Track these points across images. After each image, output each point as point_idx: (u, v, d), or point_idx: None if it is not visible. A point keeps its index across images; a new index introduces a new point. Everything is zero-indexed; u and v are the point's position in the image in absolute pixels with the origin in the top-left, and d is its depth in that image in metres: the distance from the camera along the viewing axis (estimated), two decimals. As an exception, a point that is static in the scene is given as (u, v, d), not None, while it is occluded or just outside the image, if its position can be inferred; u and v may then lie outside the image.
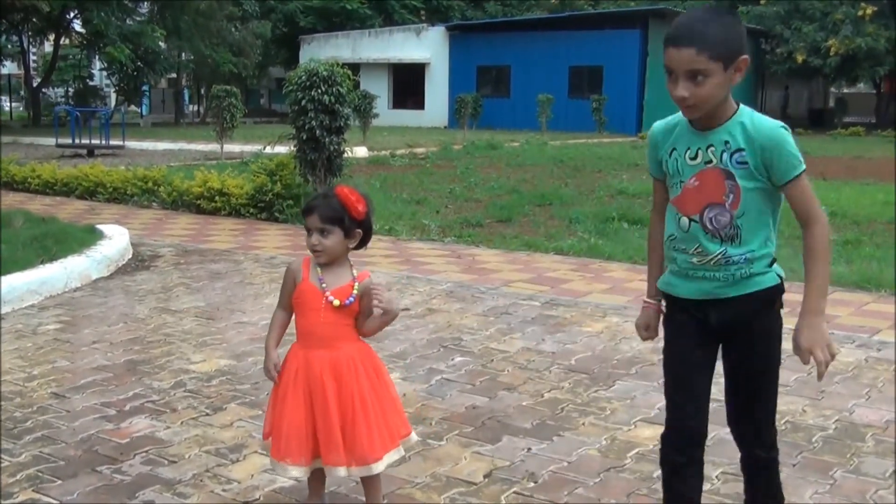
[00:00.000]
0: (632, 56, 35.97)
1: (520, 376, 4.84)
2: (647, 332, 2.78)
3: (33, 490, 3.39)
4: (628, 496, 3.41)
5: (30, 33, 38.83)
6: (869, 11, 40.22)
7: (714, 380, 2.67)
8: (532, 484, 3.49)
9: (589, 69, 36.60)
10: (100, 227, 8.74)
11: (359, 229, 2.96)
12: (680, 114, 2.52)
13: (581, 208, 11.48)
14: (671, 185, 2.57)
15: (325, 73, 10.39)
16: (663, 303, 2.72)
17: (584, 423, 4.14)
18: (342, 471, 2.98)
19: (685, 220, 2.51)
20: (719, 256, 2.46)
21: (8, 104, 45.80)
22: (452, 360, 5.13)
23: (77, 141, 21.19)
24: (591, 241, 9.03)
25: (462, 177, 15.66)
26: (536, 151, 22.09)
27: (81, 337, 5.54)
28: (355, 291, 2.96)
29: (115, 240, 8.11)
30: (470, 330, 5.79)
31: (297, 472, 3.01)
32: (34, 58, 43.71)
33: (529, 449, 3.84)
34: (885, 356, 5.29)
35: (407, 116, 38.80)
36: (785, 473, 3.61)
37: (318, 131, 10.34)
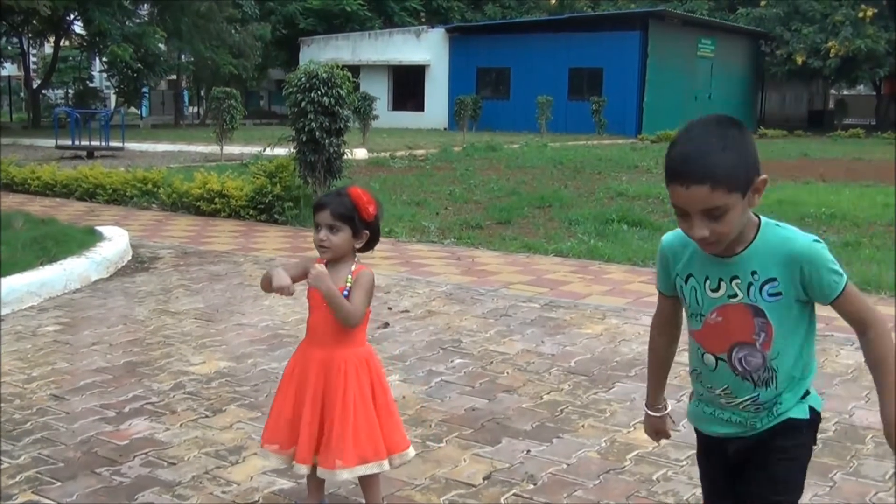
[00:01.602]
0: (631, 58, 35.95)
1: (519, 378, 4.84)
2: (657, 436, 2.55)
3: (33, 492, 3.39)
4: (628, 498, 3.41)
5: (30, 35, 38.82)
6: (869, 13, 40.29)
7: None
8: (531, 486, 3.49)
9: (588, 71, 36.59)
10: (99, 228, 8.73)
11: (367, 230, 2.98)
12: None
13: (580, 210, 11.49)
14: (689, 314, 2.24)
15: (324, 75, 10.41)
16: (667, 412, 2.49)
17: (583, 425, 4.14)
18: (303, 468, 3.01)
19: (710, 357, 2.19)
20: (749, 402, 2.17)
21: (8, 106, 45.79)
22: (452, 361, 5.13)
23: (77, 142, 21.19)
24: (591, 243, 9.03)
25: (462, 178, 15.66)
26: (536, 153, 22.09)
27: (81, 339, 5.54)
28: (348, 284, 2.96)
29: (115, 241, 8.11)
30: (469, 332, 5.79)
31: (274, 461, 3.09)
32: (34, 59, 43.72)
33: (529, 451, 3.84)
34: (885, 358, 5.28)
35: (407, 118, 38.79)
36: (784, 475, 3.62)
37: (317, 133, 10.35)
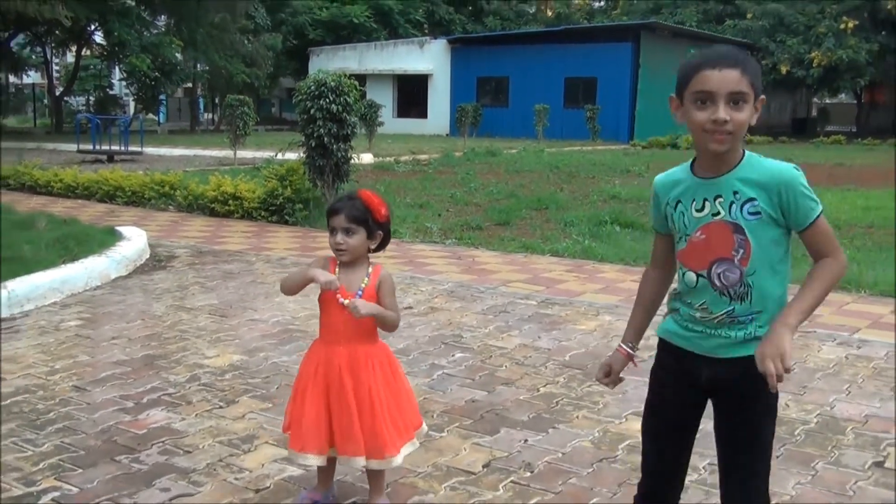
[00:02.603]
0: (624, 68, 35.94)
1: (517, 371, 4.85)
2: (606, 376, 2.51)
3: (55, 478, 3.40)
4: (619, 486, 3.41)
5: (53, 45, 38.86)
6: (850, 25, 40.29)
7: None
8: (528, 474, 3.50)
9: (583, 80, 36.58)
10: (119, 228, 8.74)
11: (380, 231, 3.01)
12: (683, 166, 2.31)
13: (575, 212, 11.49)
14: (677, 238, 2.31)
15: (332, 83, 10.41)
16: (636, 353, 2.51)
17: (577, 416, 4.14)
18: (361, 461, 3.00)
19: (692, 274, 2.26)
20: (724, 315, 2.21)
21: (32, 112, 45.84)
22: (453, 356, 5.14)
23: (97, 147, 21.18)
24: (585, 244, 9.04)
25: (462, 182, 15.65)
26: (533, 158, 22.09)
27: (101, 333, 5.54)
28: (363, 285, 2.98)
29: (134, 241, 8.12)
30: (470, 327, 5.79)
31: (314, 461, 3.03)
32: (57, 68, 43.74)
33: (526, 440, 3.85)
34: (865, 353, 5.29)
35: (410, 125, 38.79)
36: (769, 464, 3.63)
37: (326, 139, 10.36)
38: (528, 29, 45.44)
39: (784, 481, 3.45)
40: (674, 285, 2.42)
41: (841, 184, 16.39)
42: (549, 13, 52.75)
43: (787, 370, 2.05)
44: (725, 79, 2.11)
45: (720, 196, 2.19)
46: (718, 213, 2.19)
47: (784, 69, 41.47)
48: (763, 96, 2.20)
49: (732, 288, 2.20)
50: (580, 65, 36.51)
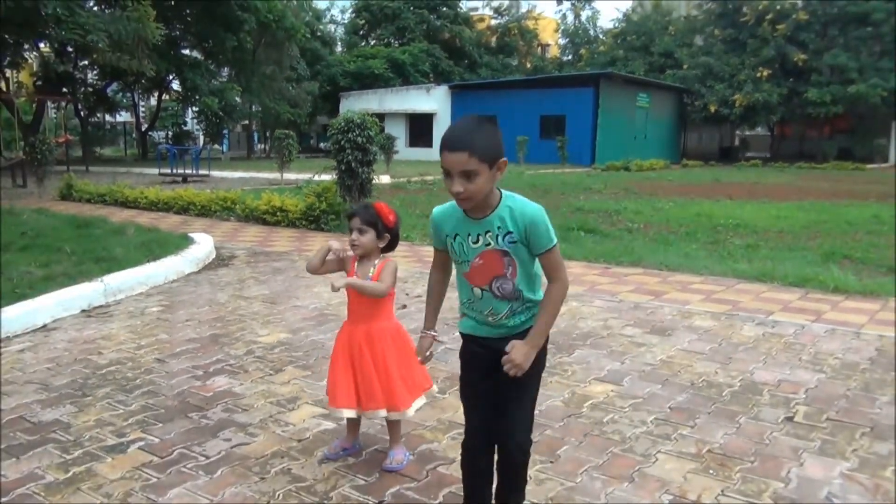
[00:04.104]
0: (587, 107, 35.86)
1: (504, 346, 4.82)
2: (424, 357, 2.58)
3: (142, 431, 3.39)
4: (585, 436, 3.40)
5: (139, 91, 38.85)
6: (765, 73, 40.37)
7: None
8: (513, 427, 3.48)
9: (555, 117, 36.49)
10: (191, 234, 8.74)
11: (388, 234, 3.00)
12: (454, 204, 2.30)
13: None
14: (459, 262, 2.34)
15: (358, 120, 10.41)
16: (436, 334, 2.55)
17: (551, 382, 4.13)
18: (382, 412, 3.00)
19: (477, 289, 2.32)
20: (507, 312, 2.31)
21: (123, 144, 45.83)
22: (453, 334, 5.11)
23: (174, 171, 21.20)
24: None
25: (461, 197, 15.60)
26: (515, 179, 22.05)
27: (177, 317, 5.54)
28: (370, 274, 2.97)
29: (202, 244, 8.12)
30: (466, 312, 5.76)
31: (348, 413, 3.02)
32: (142, 109, 43.75)
33: (511, 400, 3.83)
34: (777, 332, 5.27)
35: (419, 153, 38.71)
36: (702, 419, 3.61)
37: (353, 164, 10.36)
38: (511, 77, 45.39)
39: (714, 432, 3.44)
40: (462, 299, 2.41)
41: (758, 198, 16.35)
42: (528, 65, 52.70)
43: (524, 371, 2.25)
44: (456, 160, 2.09)
45: (489, 231, 2.24)
46: (490, 244, 2.25)
47: (713, 108, 41.42)
48: (504, 158, 2.16)
49: (509, 294, 2.30)
50: (552, 105, 36.46)
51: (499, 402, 2.37)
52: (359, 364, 2.98)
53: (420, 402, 3.09)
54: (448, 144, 2.10)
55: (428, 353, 2.58)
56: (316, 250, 3.09)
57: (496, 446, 2.43)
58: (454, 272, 2.47)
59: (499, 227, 2.22)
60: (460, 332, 2.46)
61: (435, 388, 3.26)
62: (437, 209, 2.39)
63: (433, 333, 2.55)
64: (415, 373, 3.07)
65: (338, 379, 3.01)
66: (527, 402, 2.39)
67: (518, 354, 2.25)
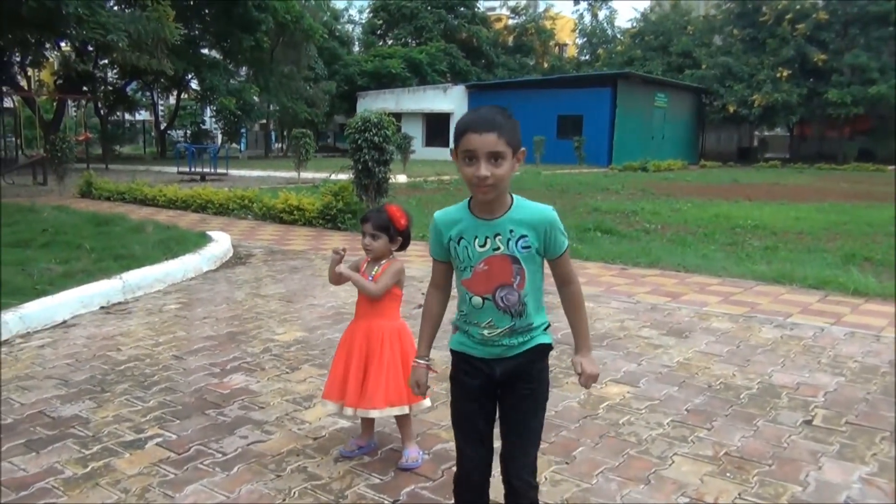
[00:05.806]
0: (604, 107, 35.72)
1: (519, 346, 4.81)
2: (419, 389, 2.36)
3: (159, 427, 3.42)
4: (600, 437, 3.38)
5: (158, 90, 39.19)
6: (784, 73, 39.93)
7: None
8: (528, 427, 3.47)
9: (572, 117, 36.39)
10: (209, 233, 8.79)
11: (400, 237, 3.05)
12: (460, 206, 2.18)
13: (565, 221, 11.14)
14: (461, 268, 2.17)
15: (375, 120, 10.41)
16: (430, 362, 2.36)
17: (567, 382, 4.11)
18: (349, 410, 3.03)
19: (478, 298, 2.15)
20: (507, 329, 2.16)
21: (142, 142, 46.26)
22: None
23: (193, 169, 21.34)
24: (573, 246, 8.96)
25: (477, 197, 15.58)
26: (533, 179, 22.01)
27: (195, 314, 5.58)
28: (374, 273, 3.06)
29: (220, 242, 8.16)
30: (482, 311, 5.75)
31: (330, 405, 3.08)
32: (161, 108, 44.11)
33: (526, 401, 3.82)
34: (796, 334, 5.22)
35: (436, 153, 38.70)
36: (719, 422, 3.58)
37: (370, 163, 10.36)
38: (528, 77, 45.30)
39: (731, 435, 3.41)
40: (460, 311, 2.26)
41: (777, 199, 16.19)
42: (546, 65, 52.55)
43: (596, 379, 2.25)
44: (485, 141, 2.00)
45: (499, 234, 2.11)
46: (499, 248, 2.11)
47: (731, 108, 41.08)
48: (523, 148, 2.10)
49: (513, 307, 2.16)
50: (570, 105, 36.34)
51: (502, 434, 2.21)
52: (352, 360, 3.04)
53: (397, 410, 3.02)
54: (475, 126, 2.01)
55: (426, 386, 2.38)
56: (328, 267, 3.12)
57: (502, 481, 2.24)
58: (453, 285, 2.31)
59: (511, 231, 2.10)
60: (450, 349, 2.28)
61: (427, 402, 3.16)
62: (439, 212, 2.25)
63: (426, 363, 2.34)
64: (404, 381, 3.00)
65: (331, 372, 3.12)
66: (533, 437, 2.23)
67: (590, 367, 2.21)
